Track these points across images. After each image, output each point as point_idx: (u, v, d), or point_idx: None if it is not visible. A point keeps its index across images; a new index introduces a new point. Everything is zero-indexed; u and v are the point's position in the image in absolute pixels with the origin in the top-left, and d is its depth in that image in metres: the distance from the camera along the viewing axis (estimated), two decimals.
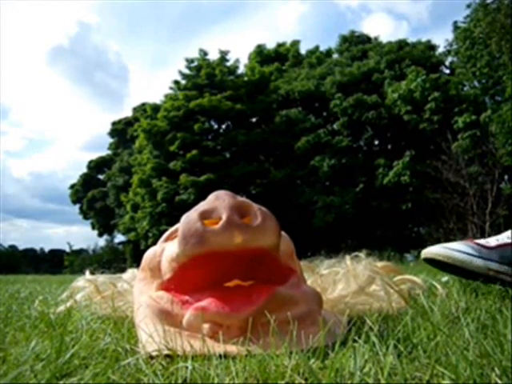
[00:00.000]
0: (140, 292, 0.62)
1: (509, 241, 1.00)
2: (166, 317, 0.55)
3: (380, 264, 1.03)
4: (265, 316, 0.51)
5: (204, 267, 0.55)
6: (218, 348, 0.48)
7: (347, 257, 0.94)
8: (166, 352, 0.48)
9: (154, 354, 0.48)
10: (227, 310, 0.52)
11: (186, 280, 0.56)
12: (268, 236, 0.56)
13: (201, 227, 0.54)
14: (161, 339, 0.51)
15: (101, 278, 1.00)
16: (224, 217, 0.55)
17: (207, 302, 0.53)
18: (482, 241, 1.03)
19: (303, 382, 0.37)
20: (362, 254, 0.97)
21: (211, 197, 0.60)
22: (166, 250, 0.61)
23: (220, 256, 0.54)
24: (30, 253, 44.30)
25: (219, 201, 0.57)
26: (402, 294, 0.85)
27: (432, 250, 1.01)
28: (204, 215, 0.56)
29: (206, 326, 0.52)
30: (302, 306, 0.55)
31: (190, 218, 0.56)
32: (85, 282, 1.00)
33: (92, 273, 1.07)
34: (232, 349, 0.48)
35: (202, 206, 0.58)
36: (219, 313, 0.52)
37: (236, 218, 0.55)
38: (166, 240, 0.70)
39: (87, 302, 0.91)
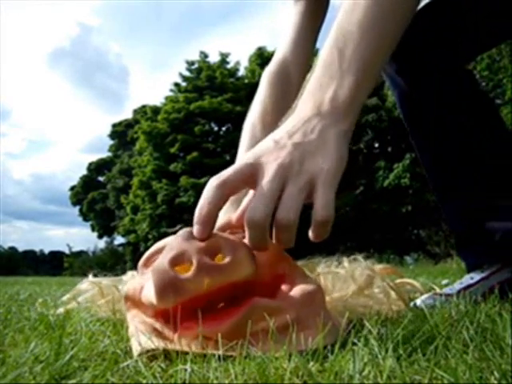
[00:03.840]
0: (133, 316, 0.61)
1: (472, 281, 1.00)
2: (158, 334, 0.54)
3: (379, 266, 1.03)
4: (246, 327, 0.51)
5: (185, 308, 0.54)
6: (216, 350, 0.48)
7: (345, 258, 0.94)
8: (163, 347, 0.48)
9: (149, 349, 0.48)
10: (209, 326, 0.52)
11: (168, 315, 0.54)
12: (241, 269, 0.55)
13: (174, 277, 0.53)
14: (159, 341, 0.51)
15: (104, 280, 1.00)
16: (194, 261, 0.53)
17: (190, 324, 0.52)
18: (446, 289, 1.02)
19: None
20: (359, 257, 0.97)
21: (178, 238, 0.58)
22: (145, 290, 0.58)
23: (199, 297, 0.53)
24: (29, 254, 44.34)
25: (187, 243, 0.56)
26: (401, 297, 0.85)
27: None
28: (174, 262, 0.54)
29: (195, 343, 0.51)
30: (289, 313, 0.55)
31: (160, 268, 0.54)
32: (89, 285, 1.00)
33: (95, 275, 1.07)
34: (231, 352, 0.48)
35: (170, 250, 0.56)
36: (203, 330, 0.51)
37: (206, 260, 0.54)
38: (145, 265, 0.67)
39: (89, 304, 0.91)
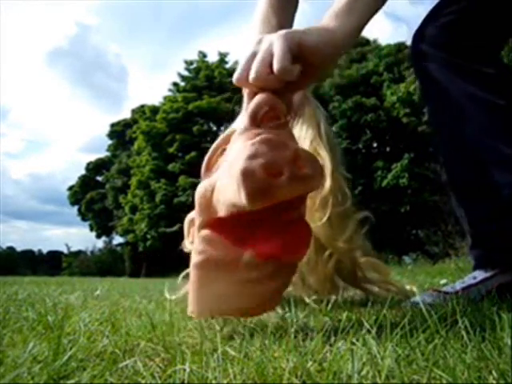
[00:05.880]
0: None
1: (474, 281, 1.00)
2: (217, 268, 0.60)
3: (363, 259, 1.03)
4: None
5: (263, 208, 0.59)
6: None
7: None
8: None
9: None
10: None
11: (239, 219, 0.60)
12: (317, 181, 0.62)
13: (267, 183, 0.57)
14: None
15: None
16: (286, 172, 0.58)
17: (269, 247, 0.59)
18: (447, 287, 1.02)
19: None
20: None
21: (264, 146, 0.60)
22: (220, 191, 0.62)
23: (276, 204, 0.59)
24: (28, 254, 44.25)
25: (276, 152, 0.60)
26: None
27: None
28: (266, 168, 0.58)
29: (268, 269, 0.58)
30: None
31: (254, 173, 0.57)
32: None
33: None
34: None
35: (260, 156, 0.59)
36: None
37: (295, 170, 0.59)
38: (207, 169, 0.75)
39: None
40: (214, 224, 0.63)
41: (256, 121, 0.64)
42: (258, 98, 0.65)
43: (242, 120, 0.67)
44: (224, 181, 0.61)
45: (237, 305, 0.59)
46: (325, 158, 0.94)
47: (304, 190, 0.61)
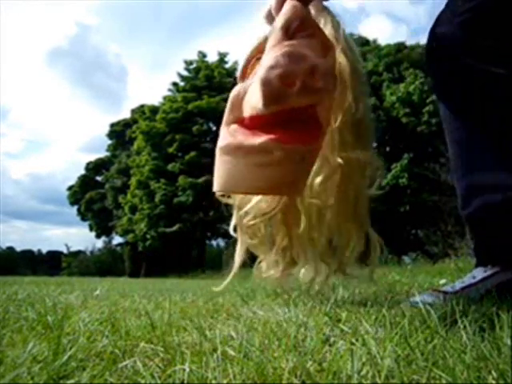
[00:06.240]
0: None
1: (474, 281, 1.00)
2: (237, 150, 0.71)
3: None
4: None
5: (274, 117, 0.68)
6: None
7: None
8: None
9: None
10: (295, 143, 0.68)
11: (260, 119, 0.70)
12: (330, 93, 0.70)
13: (281, 91, 0.66)
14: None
15: None
16: (299, 83, 0.66)
17: (280, 135, 0.68)
18: (447, 287, 1.02)
19: None
20: None
21: (284, 58, 0.69)
22: (249, 95, 0.73)
23: (290, 110, 0.68)
24: (27, 254, 44.18)
25: (294, 65, 0.68)
26: None
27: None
28: (282, 78, 0.66)
29: (278, 153, 0.67)
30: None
31: (270, 81, 0.67)
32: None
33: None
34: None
35: (279, 67, 0.68)
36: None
37: (309, 82, 0.67)
38: (242, 77, 0.84)
39: None
40: (241, 121, 0.74)
41: (288, 34, 0.72)
42: (288, 10, 0.73)
43: (274, 31, 0.74)
44: (253, 86, 0.72)
45: (253, 184, 0.71)
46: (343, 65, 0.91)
47: (314, 100, 0.69)
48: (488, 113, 0.98)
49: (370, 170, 0.97)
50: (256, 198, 0.89)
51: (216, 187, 0.74)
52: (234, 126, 0.74)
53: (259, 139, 0.68)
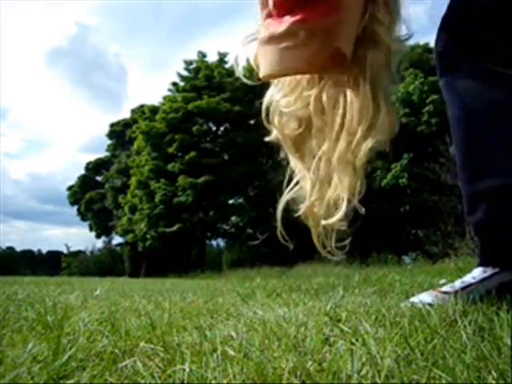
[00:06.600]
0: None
1: (473, 281, 1.00)
2: (270, 39, 0.83)
3: None
4: None
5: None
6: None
7: None
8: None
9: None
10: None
11: (281, 5, 0.82)
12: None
13: None
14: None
15: None
16: None
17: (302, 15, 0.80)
18: (447, 287, 1.02)
19: None
20: None
21: None
22: None
23: None
24: (27, 254, 44.18)
25: None
26: None
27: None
28: None
29: (302, 33, 0.79)
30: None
31: None
32: None
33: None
34: None
35: None
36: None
37: None
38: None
39: None
40: (270, 15, 0.85)
41: None
42: None
43: None
44: None
45: (287, 66, 0.84)
46: None
47: None
48: (500, 116, 0.98)
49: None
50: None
51: (261, 74, 0.88)
52: (268, 20, 0.86)
53: (284, 25, 0.81)
